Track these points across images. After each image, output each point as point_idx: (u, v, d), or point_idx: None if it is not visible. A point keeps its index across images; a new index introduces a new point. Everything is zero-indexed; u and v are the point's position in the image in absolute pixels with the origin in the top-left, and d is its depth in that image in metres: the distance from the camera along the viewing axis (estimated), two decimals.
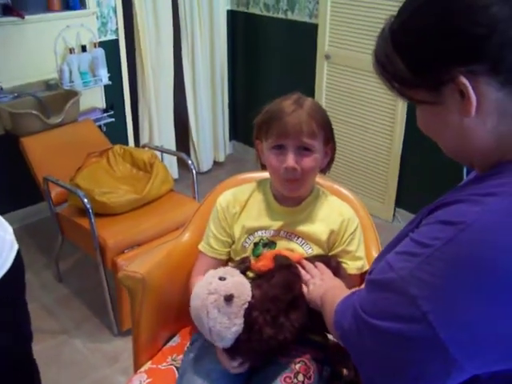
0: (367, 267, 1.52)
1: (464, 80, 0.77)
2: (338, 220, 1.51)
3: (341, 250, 1.50)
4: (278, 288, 1.37)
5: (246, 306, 1.31)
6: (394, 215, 3.56)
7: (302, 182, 1.47)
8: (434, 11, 0.79)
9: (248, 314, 1.31)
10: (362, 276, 1.51)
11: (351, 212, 1.55)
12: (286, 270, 1.40)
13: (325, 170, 1.54)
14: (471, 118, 0.80)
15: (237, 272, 1.41)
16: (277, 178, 1.49)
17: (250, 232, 1.52)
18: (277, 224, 1.51)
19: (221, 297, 1.30)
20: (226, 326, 1.29)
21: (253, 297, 1.33)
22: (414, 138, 3.28)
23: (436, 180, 3.11)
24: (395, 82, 0.87)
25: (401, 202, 3.52)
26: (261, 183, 1.60)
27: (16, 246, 1.39)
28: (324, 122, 1.46)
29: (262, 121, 1.48)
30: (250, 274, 1.47)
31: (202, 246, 1.58)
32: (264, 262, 1.45)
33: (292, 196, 1.51)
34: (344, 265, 1.49)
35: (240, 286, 1.34)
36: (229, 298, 1.29)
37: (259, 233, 1.52)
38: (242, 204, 1.56)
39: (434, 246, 0.78)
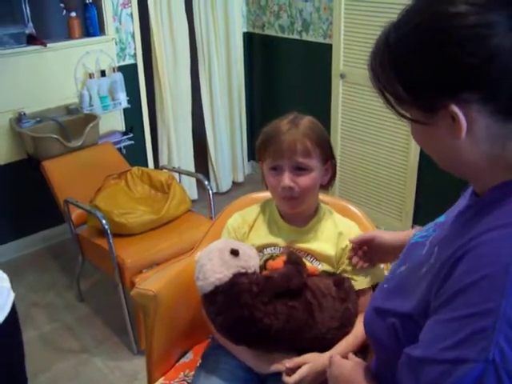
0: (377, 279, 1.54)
1: (455, 109, 0.78)
2: (343, 237, 1.53)
3: (346, 265, 1.52)
4: (276, 274, 1.41)
5: (243, 270, 1.39)
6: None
7: (302, 200, 1.50)
8: (432, 34, 0.78)
9: (238, 278, 1.38)
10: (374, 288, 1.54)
11: (356, 228, 1.58)
12: (292, 264, 1.43)
13: (326, 186, 1.57)
14: (462, 140, 0.80)
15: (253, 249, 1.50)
16: (276, 196, 1.53)
17: (260, 249, 1.55)
18: (285, 241, 1.54)
19: (229, 247, 1.42)
20: (214, 270, 1.38)
21: (254, 273, 1.41)
22: None
23: (453, 196, 3.09)
24: (389, 95, 0.87)
25: (418, 218, 3.51)
26: (267, 203, 1.64)
27: (12, 294, 1.43)
28: (320, 140, 1.48)
29: (260, 142, 1.52)
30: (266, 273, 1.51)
31: None
32: (278, 261, 1.48)
33: (294, 212, 1.54)
34: (353, 282, 1.51)
35: (249, 257, 1.43)
36: (234, 252, 1.40)
37: (268, 250, 1.55)
38: (250, 224, 1.60)
39: (496, 303, 0.73)
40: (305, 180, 1.46)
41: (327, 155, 1.51)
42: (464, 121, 0.78)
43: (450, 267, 0.81)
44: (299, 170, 1.46)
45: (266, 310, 1.36)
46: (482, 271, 0.75)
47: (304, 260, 1.51)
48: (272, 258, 1.54)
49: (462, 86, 0.77)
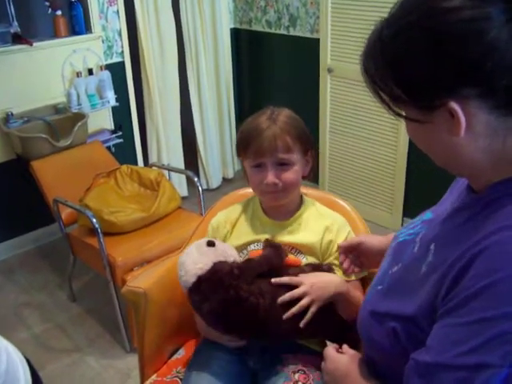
0: (365, 273, 1.54)
1: (454, 105, 0.76)
2: (329, 231, 1.54)
3: (334, 259, 1.52)
4: (256, 257, 1.45)
5: (222, 259, 1.41)
6: (402, 225, 3.57)
7: (286, 193, 1.51)
8: (427, 30, 0.76)
9: (219, 265, 1.39)
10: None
11: (340, 219, 1.58)
12: (271, 247, 1.46)
13: (307, 176, 1.58)
14: (461, 137, 0.79)
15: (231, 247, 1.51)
16: (258, 191, 1.55)
17: (243, 247, 1.56)
18: (268, 236, 1.55)
19: (205, 241, 1.45)
20: (195, 262, 1.40)
21: (234, 262, 1.43)
22: (418, 147, 3.31)
23: (442, 187, 3.10)
24: (384, 95, 0.85)
25: (408, 211, 3.53)
26: (250, 200, 1.65)
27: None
28: (299, 134, 1.49)
29: (240, 140, 1.53)
30: None
31: None
32: (260, 251, 1.50)
33: (277, 205, 1.55)
34: (338, 273, 1.51)
35: (227, 247, 1.46)
36: (211, 243, 1.44)
37: (252, 246, 1.56)
38: (232, 222, 1.61)
39: None
40: (288, 175, 1.48)
41: (307, 147, 1.53)
42: (463, 117, 0.76)
43: (461, 269, 0.79)
44: (282, 165, 1.47)
45: (251, 290, 1.37)
46: (499, 273, 0.74)
47: (288, 254, 1.51)
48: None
49: (460, 82, 0.75)
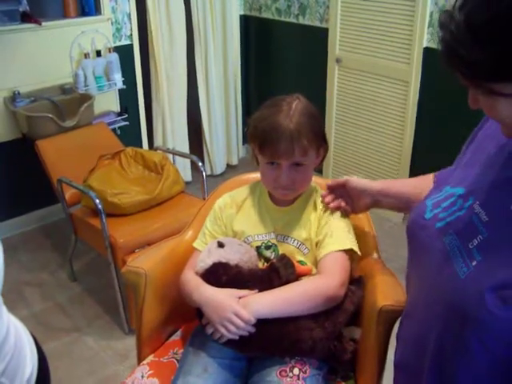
0: (349, 246, 1.50)
1: None
2: (320, 213, 1.55)
3: (324, 230, 1.52)
4: (259, 270, 1.51)
5: (223, 260, 1.47)
6: (403, 217, 3.58)
7: (296, 190, 1.54)
8: None
9: (216, 267, 1.48)
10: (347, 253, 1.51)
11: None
12: (273, 267, 1.47)
13: (317, 167, 1.59)
14: None
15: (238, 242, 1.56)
16: (270, 187, 1.56)
17: (248, 234, 1.58)
18: (272, 227, 1.56)
19: (216, 241, 1.53)
20: (201, 259, 1.51)
21: (237, 266, 1.48)
22: (423, 140, 3.31)
23: None
24: (472, 74, 0.80)
25: None
26: (257, 184, 1.65)
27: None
28: (315, 133, 1.47)
29: (254, 136, 1.49)
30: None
31: (196, 244, 1.63)
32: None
33: (287, 199, 1.57)
34: (325, 247, 1.50)
35: (235, 251, 1.50)
36: (220, 244, 1.51)
37: (260, 237, 1.57)
38: (238, 204, 1.62)
39: None
40: (302, 175, 1.50)
41: (321, 143, 1.51)
42: None
43: None
44: (297, 165, 1.47)
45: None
46: None
47: (290, 246, 1.54)
48: (265, 244, 1.56)
49: None
